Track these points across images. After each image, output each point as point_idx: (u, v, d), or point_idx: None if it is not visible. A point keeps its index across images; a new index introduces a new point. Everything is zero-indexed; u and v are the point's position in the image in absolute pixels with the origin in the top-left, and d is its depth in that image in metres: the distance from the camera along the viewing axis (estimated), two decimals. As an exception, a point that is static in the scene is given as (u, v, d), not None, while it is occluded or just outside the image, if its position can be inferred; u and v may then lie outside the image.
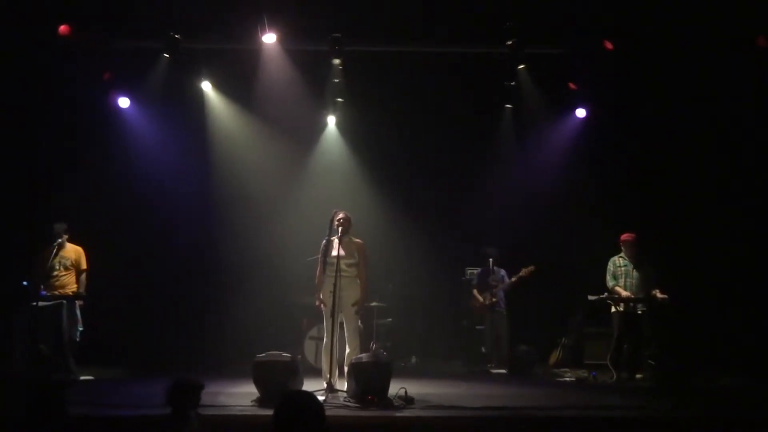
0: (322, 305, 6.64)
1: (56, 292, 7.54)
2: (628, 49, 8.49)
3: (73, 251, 7.77)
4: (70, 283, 7.70)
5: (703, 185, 8.97)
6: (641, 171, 9.32)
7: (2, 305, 7.41)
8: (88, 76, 8.73)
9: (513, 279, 8.88)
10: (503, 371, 8.55)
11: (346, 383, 6.15)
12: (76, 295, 7.62)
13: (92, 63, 8.66)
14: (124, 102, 9.24)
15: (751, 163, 8.77)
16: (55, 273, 7.63)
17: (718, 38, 8.03)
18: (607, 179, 9.30)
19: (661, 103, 8.92)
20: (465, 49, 8.82)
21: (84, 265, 7.78)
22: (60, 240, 7.63)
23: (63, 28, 8.17)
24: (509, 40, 8.30)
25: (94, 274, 7.86)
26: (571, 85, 9.32)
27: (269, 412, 2.92)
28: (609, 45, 8.46)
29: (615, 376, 7.64)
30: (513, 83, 9.14)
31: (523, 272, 8.76)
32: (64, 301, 7.45)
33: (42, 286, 7.47)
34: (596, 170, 9.32)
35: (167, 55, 8.62)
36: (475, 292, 9.11)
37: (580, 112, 9.57)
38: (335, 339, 6.30)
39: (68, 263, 7.71)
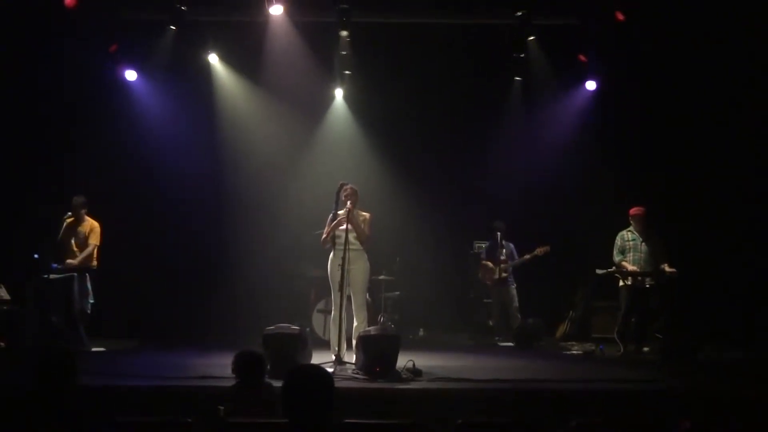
0: (330, 281, 6.66)
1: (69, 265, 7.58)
2: (640, 20, 8.36)
3: (88, 226, 7.77)
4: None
5: (715, 159, 8.88)
6: (651, 144, 9.24)
7: (14, 278, 7.48)
8: (95, 48, 8.70)
9: (526, 257, 8.88)
10: (510, 344, 8.60)
11: (354, 356, 6.19)
12: (86, 268, 7.66)
13: (99, 35, 8.63)
14: (131, 75, 9.19)
15: (765, 137, 8.66)
16: (70, 247, 7.68)
17: (732, 9, 7.89)
18: (616, 152, 9.22)
19: (672, 76, 8.80)
20: (474, 21, 8.72)
21: (94, 240, 7.73)
22: (71, 212, 7.66)
23: (69, 0, 8.11)
24: (519, 11, 8.20)
25: (104, 246, 7.89)
26: (581, 57, 9.20)
27: (278, 383, 2.94)
28: (620, 16, 8.33)
29: (622, 350, 7.65)
30: (522, 55, 9.04)
31: (538, 251, 8.77)
32: (75, 274, 7.50)
33: (53, 259, 7.52)
34: (606, 143, 9.25)
35: (173, 27, 8.56)
36: (488, 263, 9.10)
37: (590, 85, 9.45)
38: (343, 312, 6.33)
39: (82, 238, 7.75)
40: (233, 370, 4.22)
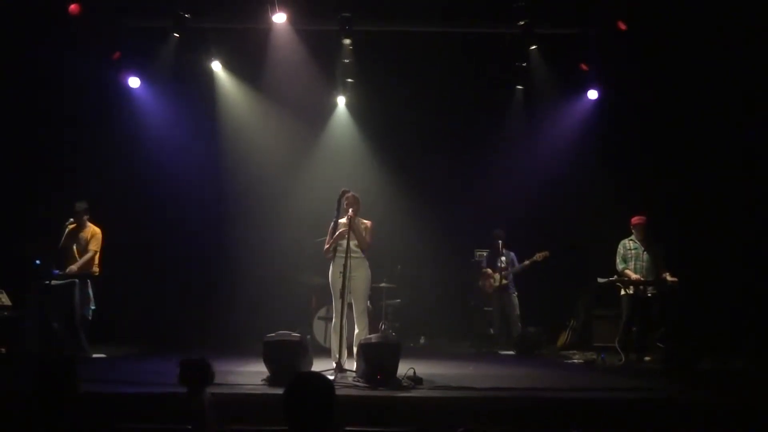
0: (331, 288, 6.66)
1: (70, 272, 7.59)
2: (642, 29, 8.38)
3: (89, 232, 7.77)
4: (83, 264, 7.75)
5: (717, 168, 8.88)
6: (653, 153, 9.24)
7: (15, 284, 7.48)
8: (98, 55, 8.74)
9: (526, 262, 8.89)
10: (511, 352, 8.58)
11: (355, 363, 6.19)
12: (87, 274, 7.67)
13: (102, 43, 8.66)
14: (134, 82, 9.22)
15: (765, 146, 8.67)
16: (72, 254, 7.68)
17: (734, 18, 7.91)
18: (618, 161, 9.23)
19: (674, 85, 8.81)
20: (476, 29, 8.75)
21: (94, 246, 7.73)
22: (74, 218, 7.67)
23: (73, 7, 8.16)
24: (521, 21, 8.22)
25: (107, 252, 7.89)
26: (583, 66, 9.22)
27: (279, 391, 2.94)
28: (622, 25, 8.36)
29: (623, 359, 7.63)
30: (524, 64, 9.07)
31: (537, 257, 8.78)
32: (76, 280, 7.50)
33: (55, 265, 7.53)
34: (607, 152, 9.26)
35: (177, 35, 8.60)
36: (489, 270, 9.11)
37: (592, 94, 9.46)
38: (344, 319, 6.33)
39: (84, 244, 7.75)
40: (180, 380, 4.07)
